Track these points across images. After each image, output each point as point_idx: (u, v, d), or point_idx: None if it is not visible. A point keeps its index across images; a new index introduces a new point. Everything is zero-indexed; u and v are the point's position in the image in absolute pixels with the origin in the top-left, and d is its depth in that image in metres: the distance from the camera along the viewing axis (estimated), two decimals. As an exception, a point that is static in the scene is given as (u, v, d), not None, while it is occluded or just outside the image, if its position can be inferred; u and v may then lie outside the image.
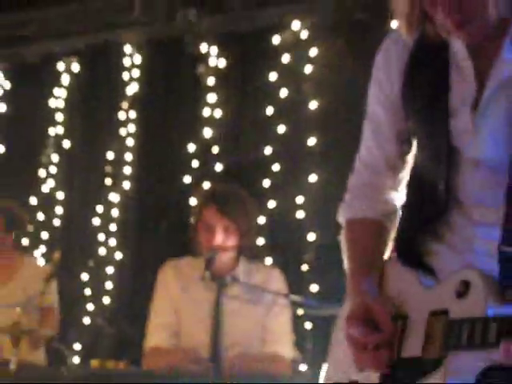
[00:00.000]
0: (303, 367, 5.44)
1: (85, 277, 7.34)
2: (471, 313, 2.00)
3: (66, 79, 7.84)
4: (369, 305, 2.23)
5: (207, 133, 7.12)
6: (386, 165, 2.41)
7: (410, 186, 2.38)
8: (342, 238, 2.47)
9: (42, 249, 7.53)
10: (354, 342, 2.21)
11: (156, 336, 4.92)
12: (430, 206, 2.27)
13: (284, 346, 4.89)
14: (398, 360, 2.18)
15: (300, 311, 5.34)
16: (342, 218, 2.49)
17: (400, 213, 2.42)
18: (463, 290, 2.04)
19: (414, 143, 2.36)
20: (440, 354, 2.05)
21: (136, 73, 7.56)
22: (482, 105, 2.16)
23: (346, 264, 2.42)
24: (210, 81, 7.20)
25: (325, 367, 2.43)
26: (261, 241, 6.47)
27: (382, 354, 2.19)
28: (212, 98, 7.17)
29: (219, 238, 4.79)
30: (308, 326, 6.06)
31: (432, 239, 2.25)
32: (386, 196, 2.42)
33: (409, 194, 2.38)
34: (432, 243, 2.25)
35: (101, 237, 7.40)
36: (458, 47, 2.21)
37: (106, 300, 7.25)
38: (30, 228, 7.29)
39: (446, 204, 2.22)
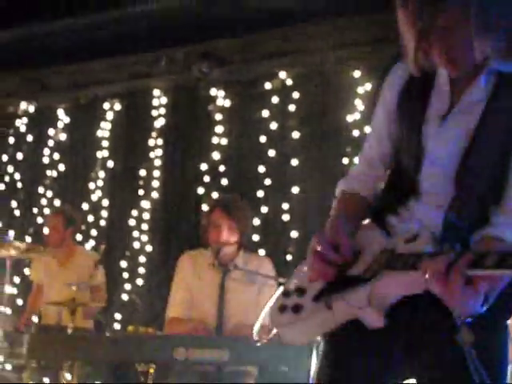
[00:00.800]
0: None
1: (123, 264, 7.36)
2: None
3: (110, 115, 7.86)
4: (339, 233, 2.20)
5: (215, 156, 7.16)
6: (379, 160, 2.39)
7: (391, 175, 2.38)
8: (335, 202, 2.43)
9: (92, 242, 7.54)
10: (317, 254, 2.16)
11: (174, 309, 4.93)
12: (397, 193, 2.27)
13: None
14: (342, 277, 2.14)
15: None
16: (338, 189, 2.45)
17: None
18: (411, 239, 2.04)
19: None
20: (373, 274, 2.05)
21: (162, 110, 7.58)
22: (448, 118, 2.16)
23: (331, 217, 2.38)
24: (218, 116, 7.25)
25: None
26: (256, 237, 6.50)
27: (332, 269, 2.15)
28: (219, 129, 7.21)
29: (224, 235, 4.82)
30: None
31: (392, 215, 2.23)
32: (375, 183, 2.41)
33: (389, 181, 2.38)
34: (392, 217, 2.23)
35: (135, 234, 7.41)
36: (443, 77, 2.21)
37: (139, 282, 7.29)
38: (83, 226, 7.32)
39: (409, 192, 2.22)
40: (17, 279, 7.35)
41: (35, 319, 6.63)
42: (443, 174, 2.16)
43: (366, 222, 2.32)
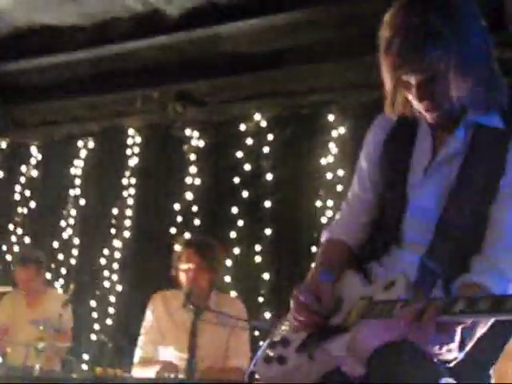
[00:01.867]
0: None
1: (93, 303, 7.28)
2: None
3: (83, 153, 7.84)
4: (319, 285, 2.26)
5: (189, 196, 7.14)
6: (363, 209, 2.43)
7: (374, 224, 2.40)
8: (319, 250, 2.49)
9: (61, 281, 7.47)
10: (299, 305, 2.22)
11: (144, 349, 4.90)
12: (380, 241, 2.31)
13: (243, 360, 4.86)
14: (325, 327, 2.19)
15: (256, 332, 5.31)
16: (324, 237, 2.49)
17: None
18: (389, 286, 2.06)
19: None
20: (353, 323, 2.08)
21: (136, 149, 7.58)
22: (430, 169, 2.21)
23: (315, 265, 2.43)
24: (192, 157, 7.25)
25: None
26: (228, 278, 6.48)
27: (315, 318, 2.20)
28: (193, 169, 7.20)
29: (195, 276, 4.81)
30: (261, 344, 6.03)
31: (375, 262, 2.27)
32: (358, 231, 2.43)
33: (372, 230, 2.41)
34: (375, 265, 2.27)
35: (106, 273, 7.36)
36: (424, 126, 2.26)
37: (109, 321, 7.22)
38: (53, 265, 7.28)
39: (391, 240, 2.26)
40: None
41: (0, 360, 6.55)
42: (425, 223, 2.19)
43: (349, 270, 2.34)
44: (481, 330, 2.02)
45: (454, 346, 1.90)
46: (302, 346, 2.20)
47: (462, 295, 1.90)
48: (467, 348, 1.97)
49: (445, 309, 1.82)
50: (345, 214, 2.50)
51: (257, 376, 2.34)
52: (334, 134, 6.65)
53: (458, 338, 1.90)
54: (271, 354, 2.28)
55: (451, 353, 1.93)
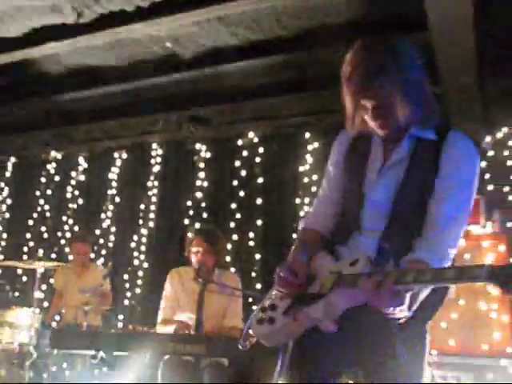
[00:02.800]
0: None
1: (125, 277, 7.28)
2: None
3: (118, 162, 7.83)
4: (296, 263, 2.25)
5: (198, 195, 7.13)
6: (331, 203, 2.41)
7: (340, 215, 2.39)
8: (297, 236, 2.47)
9: (101, 260, 7.46)
10: (281, 279, 2.21)
11: (165, 312, 4.87)
12: (344, 229, 2.30)
13: (237, 320, 4.84)
14: (304, 295, 2.18)
15: (250, 299, 5.29)
16: (299, 226, 2.48)
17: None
18: (354, 262, 2.07)
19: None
20: (326, 291, 2.09)
21: (158, 159, 7.58)
22: (382, 172, 2.23)
23: (293, 248, 2.41)
24: (201, 165, 7.24)
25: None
26: (228, 258, 6.46)
27: (294, 289, 2.20)
28: (201, 174, 7.21)
29: (203, 257, 4.78)
30: (254, 308, 6.03)
31: (342, 245, 2.26)
32: (327, 220, 2.41)
33: (338, 220, 2.39)
34: (341, 247, 2.26)
35: (135, 254, 7.36)
36: (377, 138, 2.27)
37: (138, 291, 7.21)
38: (95, 247, 7.28)
39: (354, 228, 2.25)
40: (44, 286, 7.26)
41: (57, 317, 6.53)
42: (379, 214, 2.20)
43: (321, 251, 2.33)
44: (423, 296, 2.04)
45: (405, 307, 1.93)
46: (287, 310, 2.19)
47: (410, 269, 1.93)
48: (413, 308, 2.00)
49: (398, 280, 1.86)
50: (316, 207, 2.48)
51: (251, 332, 2.36)
52: (310, 147, 6.65)
53: (407, 301, 1.92)
54: (263, 316, 2.28)
55: (402, 312, 1.96)
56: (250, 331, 2.38)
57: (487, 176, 5.67)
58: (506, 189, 5.68)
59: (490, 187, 5.64)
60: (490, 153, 5.74)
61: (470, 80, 5.22)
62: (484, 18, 4.94)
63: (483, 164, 5.62)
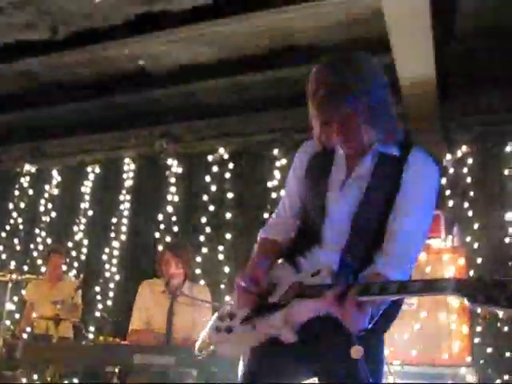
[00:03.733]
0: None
1: (97, 288, 7.20)
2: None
3: (91, 176, 7.77)
4: (256, 271, 2.21)
5: (170, 209, 7.09)
6: (290, 214, 2.37)
7: (300, 226, 2.35)
8: (256, 246, 2.42)
9: (74, 272, 7.38)
10: (241, 288, 2.18)
11: (135, 323, 4.83)
12: (305, 241, 2.25)
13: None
14: (263, 304, 2.14)
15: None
16: (259, 236, 2.42)
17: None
18: (316, 274, 2.04)
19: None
20: (287, 301, 2.06)
21: (131, 174, 7.53)
22: (344, 187, 2.19)
23: (252, 257, 2.37)
24: (172, 180, 7.20)
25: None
26: (198, 271, 6.43)
27: (254, 298, 2.16)
28: (173, 189, 7.16)
29: (172, 269, 4.76)
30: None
31: (301, 257, 2.21)
32: (286, 231, 2.37)
33: (298, 231, 2.35)
34: (301, 259, 2.21)
35: (107, 266, 7.29)
36: (340, 154, 2.23)
37: (109, 302, 7.14)
38: (67, 260, 7.20)
39: (314, 241, 2.21)
40: (15, 298, 7.15)
41: (28, 329, 6.42)
42: (340, 227, 2.16)
43: (280, 261, 2.30)
44: (383, 309, 2.01)
45: (366, 319, 1.90)
46: (246, 319, 2.14)
47: (375, 281, 1.92)
48: (374, 321, 1.96)
49: (362, 291, 1.84)
50: (275, 218, 2.45)
51: (207, 341, 2.31)
52: (278, 164, 6.66)
53: (368, 313, 1.90)
54: (220, 325, 2.22)
55: (363, 324, 1.92)
56: (207, 340, 2.34)
57: (448, 192, 5.74)
58: (466, 205, 5.74)
59: (450, 203, 5.70)
60: (451, 170, 5.81)
61: (431, 99, 5.30)
62: (445, 40, 5.02)
63: (444, 181, 5.69)
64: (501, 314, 5.14)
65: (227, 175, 6.93)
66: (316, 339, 2.09)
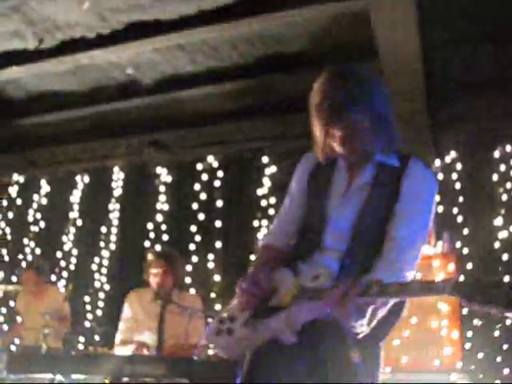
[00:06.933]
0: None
1: (87, 299, 7.15)
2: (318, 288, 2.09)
3: (80, 186, 7.72)
4: (259, 275, 2.28)
5: (159, 217, 7.06)
6: (291, 222, 2.44)
7: (300, 234, 2.40)
8: (258, 252, 2.50)
9: (63, 282, 7.33)
10: (243, 291, 2.24)
11: (122, 333, 4.80)
12: (305, 247, 2.31)
13: (199, 339, 4.79)
14: (265, 307, 2.20)
15: (210, 320, 5.23)
16: (261, 243, 2.51)
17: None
18: (315, 278, 2.12)
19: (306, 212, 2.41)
20: (289, 304, 2.12)
21: (120, 183, 7.49)
22: (346, 196, 2.27)
23: (255, 262, 2.44)
24: (161, 188, 7.17)
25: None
26: (188, 279, 6.40)
27: (255, 301, 2.22)
28: (162, 198, 7.13)
29: (162, 278, 4.75)
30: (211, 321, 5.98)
31: (302, 263, 2.26)
32: (287, 238, 2.44)
33: (298, 238, 2.40)
34: (302, 264, 2.26)
35: (96, 276, 7.24)
36: (342, 163, 2.32)
37: (99, 312, 7.09)
38: (56, 269, 7.17)
39: (315, 246, 2.26)
40: (4, 310, 7.11)
41: (17, 341, 6.38)
42: (341, 235, 2.22)
43: (282, 266, 2.34)
44: (382, 313, 2.06)
45: (365, 322, 1.96)
46: (247, 321, 2.21)
47: (374, 282, 1.95)
48: (372, 324, 2.02)
49: (362, 292, 1.89)
50: (277, 225, 2.50)
51: (208, 344, 2.36)
52: (267, 171, 6.65)
53: (368, 315, 1.95)
54: (221, 327, 2.28)
55: (362, 327, 1.98)
56: (207, 342, 2.38)
57: (437, 198, 5.73)
58: (455, 210, 5.75)
59: (440, 209, 5.70)
60: (440, 176, 5.81)
61: (420, 106, 5.31)
62: (434, 46, 5.04)
63: (433, 187, 5.68)
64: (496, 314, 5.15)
65: (217, 183, 6.90)
66: (315, 341, 2.14)
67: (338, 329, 2.00)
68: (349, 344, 2.03)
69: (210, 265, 6.64)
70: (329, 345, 2.12)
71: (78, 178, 7.74)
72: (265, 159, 6.69)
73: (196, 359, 4.16)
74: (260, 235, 6.40)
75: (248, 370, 2.24)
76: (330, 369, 2.13)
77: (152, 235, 7.02)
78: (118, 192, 7.47)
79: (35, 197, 7.96)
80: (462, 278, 1.74)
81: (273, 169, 6.63)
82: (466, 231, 5.68)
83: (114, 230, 7.32)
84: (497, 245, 5.54)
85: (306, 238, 2.35)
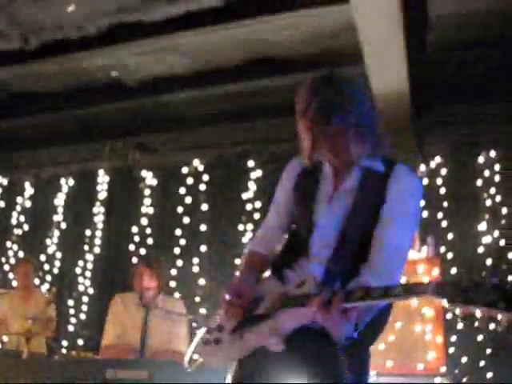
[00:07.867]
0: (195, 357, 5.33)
1: (70, 302, 7.10)
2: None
3: (65, 188, 7.68)
4: (241, 284, 2.29)
5: (144, 221, 7.04)
6: (278, 228, 2.44)
7: (287, 241, 2.42)
8: (242, 258, 2.49)
9: (46, 285, 7.28)
10: (226, 302, 2.24)
11: (108, 338, 4.77)
12: (292, 254, 2.31)
13: (182, 345, 4.77)
14: (250, 316, 2.20)
15: (194, 324, 5.22)
16: (246, 249, 2.49)
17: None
18: (301, 284, 2.10)
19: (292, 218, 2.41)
20: (273, 312, 2.13)
21: (105, 186, 7.45)
22: (332, 201, 2.26)
23: (239, 270, 2.44)
24: (147, 192, 7.15)
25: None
26: (172, 283, 6.38)
27: (239, 311, 2.22)
28: (147, 201, 7.11)
29: (146, 283, 4.73)
30: (199, 332, 5.96)
31: (288, 269, 2.27)
32: (273, 244, 2.44)
33: (285, 245, 2.41)
34: (288, 271, 2.26)
35: (80, 279, 7.19)
36: (327, 169, 2.32)
37: (82, 316, 7.04)
38: (40, 273, 7.12)
39: (301, 253, 2.26)
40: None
41: (-1, 346, 6.33)
42: (327, 240, 2.21)
43: (267, 274, 2.36)
44: (368, 318, 2.05)
45: (351, 326, 1.94)
46: (234, 330, 2.21)
47: (358, 287, 1.95)
48: (359, 330, 2.00)
49: (346, 297, 1.88)
50: (263, 231, 2.50)
51: (195, 356, 2.36)
52: (252, 175, 6.65)
53: (354, 321, 1.93)
54: (209, 337, 2.29)
55: (348, 332, 1.96)
56: (195, 353, 2.38)
57: (422, 203, 5.75)
58: (440, 215, 5.77)
59: (425, 214, 5.73)
60: (425, 181, 5.84)
61: (405, 112, 5.33)
62: (419, 53, 5.06)
63: (418, 191, 5.70)
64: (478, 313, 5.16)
65: (202, 187, 6.89)
66: (302, 348, 2.13)
67: (325, 336, 1.99)
68: (337, 350, 2.03)
69: (195, 269, 6.62)
70: (317, 352, 2.12)
71: (62, 180, 7.70)
72: (250, 163, 6.69)
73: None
74: (245, 239, 6.39)
75: (236, 379, 2.24)
76: (319, 376, 2.11)
77: (137, 239, 6.99)
78: (102, 195, 7.43)
79: (19, 199, 7.91)
80: (443, 280, 1.76)
81: (258, 173, 6.63)
82: (450, 236, 5.71)
83: (99, 234, 7.28)
84: (481, 250, 5.57)
85: (293, 245, 2.35)
